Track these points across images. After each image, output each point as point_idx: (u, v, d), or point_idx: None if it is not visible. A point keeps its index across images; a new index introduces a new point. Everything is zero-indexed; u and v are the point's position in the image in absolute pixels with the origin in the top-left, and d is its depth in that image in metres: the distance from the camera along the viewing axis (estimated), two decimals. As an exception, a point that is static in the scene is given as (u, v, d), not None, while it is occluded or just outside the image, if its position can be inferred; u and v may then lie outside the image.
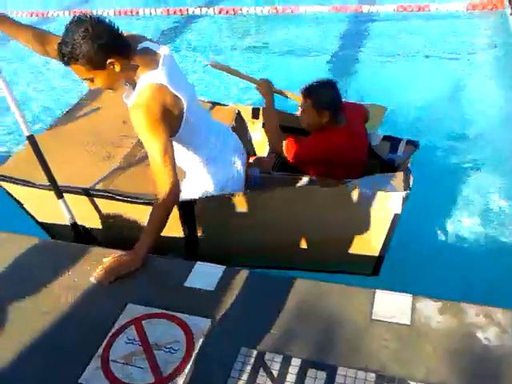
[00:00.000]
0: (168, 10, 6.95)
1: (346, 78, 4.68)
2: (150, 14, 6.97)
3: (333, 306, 1.53)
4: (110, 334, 1.54)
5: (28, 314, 1.64)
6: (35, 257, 1.92)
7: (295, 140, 2.47)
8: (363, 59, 5.14)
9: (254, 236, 2.27)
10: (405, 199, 2.03)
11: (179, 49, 5.85)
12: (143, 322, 1.59)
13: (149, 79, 1.77)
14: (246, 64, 5.24)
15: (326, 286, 1.58)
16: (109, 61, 1.69)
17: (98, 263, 1.77)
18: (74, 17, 1.68)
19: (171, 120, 1.81)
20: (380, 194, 2.06)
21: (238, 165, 2.23)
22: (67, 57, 1.66)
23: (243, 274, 1.71)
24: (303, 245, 2.31)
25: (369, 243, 2.22)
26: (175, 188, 1.78)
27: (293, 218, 2.23)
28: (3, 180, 2.44)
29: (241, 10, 6.63)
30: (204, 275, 1.75)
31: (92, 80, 1.76)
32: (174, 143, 1.90)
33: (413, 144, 2.58)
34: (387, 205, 2.07)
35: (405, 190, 2.03)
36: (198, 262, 1.81)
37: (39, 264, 1.89)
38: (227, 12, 6.70)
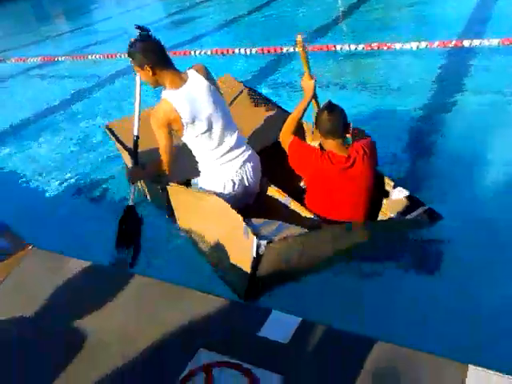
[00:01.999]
0: (263, 49, 7.11)
1: (450, 116, 4.47)
2: (245, 52, 7.18)
3: (418, 378, 1.35)
4: (180, 379, 1.50)
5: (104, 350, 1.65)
6: (118, 291, 1.96)
7: (301, 143, 2.70)
8: (466, 97, 4.84)
9: None
10: (267, 250, 2.17)
11: (272, 85, 5.95)
12: (213, 370, 1.53)
13: (166, 95, 2.57)
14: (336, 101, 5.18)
15: (411, 353, 1.41)
16: (145, 66, 2.50)
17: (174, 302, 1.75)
18: (146, 32, 2.55)
19: (173, 127, 2.61)
20: (250, 236, 2.23)
21: (235, 185, 2.77)
22: (128, 54, 2.57)
23: (320, 328, 1.59)
24: None
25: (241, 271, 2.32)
26: (167, 164, 2.70)
27: None
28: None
29: (334, 47, 6.61)
30: (279, 325, 1.67)
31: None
32: (186, 140, 2.72)
33: (432, 215, 2.49)
34: (251, 247, 2.19)
35: (266, 240, 2.19)
36: (274, 310, 1.73)
37: (122, 299, 1.91)
38: (320, 49, 6.71)
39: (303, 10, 10.01)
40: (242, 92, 4.01)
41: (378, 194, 2.77)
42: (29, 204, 4.22)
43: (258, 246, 2.17)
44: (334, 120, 2.48)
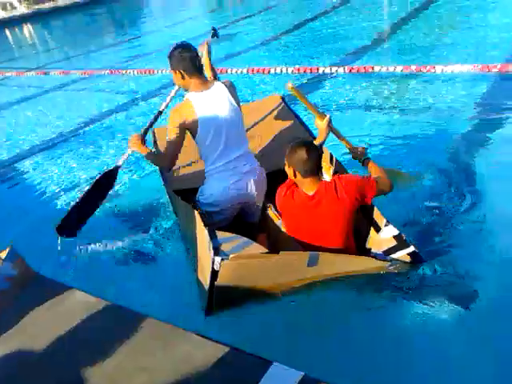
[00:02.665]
0: (299, 68, 7.02)
1: (492, 141, 4.27)
2: (281, 72, 7.10)
3: None
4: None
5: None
6: (118, 330, 1.86)
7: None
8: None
9: None
10: (222, 266, 2.26)
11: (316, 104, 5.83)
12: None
13: (188, 95, 2.83)
14: (370, 124, 5.01)
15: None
16: (177, 70, 2.81)
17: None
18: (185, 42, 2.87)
19: (186, 125, 2.81)
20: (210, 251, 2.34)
21: (231, 194, 2.88)
22: (168, 56, 2.85)
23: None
24: None
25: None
26: (168, 158, 2.92)
27: None
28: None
29: (372, 68, 6.43)
30: (279, 380, 1.52)
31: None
32: (197, 141, 2.89)
33: (415, 257, 2.49)
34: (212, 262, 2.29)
35: (222, 256, 2.26)
36: (275, 363, 1.58)
37: (121, 339, 1.81)
38: (358, 71, 6.55)
39: (346, 27, 9.90)
40: (280, 111, 4.10)
41: (368, 226, 2.82)
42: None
43: (213, 262, 2.27)
44: (309, 159, 2.52)
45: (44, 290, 2.23)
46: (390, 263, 2.54)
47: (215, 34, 3.71)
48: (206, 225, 2.56)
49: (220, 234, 2.53)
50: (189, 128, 2.83)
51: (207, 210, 2.90)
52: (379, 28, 9.27)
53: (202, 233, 2.55)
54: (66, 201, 4.51)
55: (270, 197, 3.05)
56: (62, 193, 4.74)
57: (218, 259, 2.27)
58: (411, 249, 2.51)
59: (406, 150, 4.36)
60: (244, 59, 8.77)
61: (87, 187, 3.43)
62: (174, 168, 3.20)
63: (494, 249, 2.78)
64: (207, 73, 3.19)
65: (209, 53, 3.34)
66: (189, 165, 3.58)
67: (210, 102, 2.81)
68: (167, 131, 2.87)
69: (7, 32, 22.10)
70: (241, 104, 3.02)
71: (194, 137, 2.88)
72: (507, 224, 2.99)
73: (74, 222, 3.30)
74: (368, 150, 2.99)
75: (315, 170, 2.57)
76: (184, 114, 2.78)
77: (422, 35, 8.17)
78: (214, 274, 2.31)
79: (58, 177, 5.15)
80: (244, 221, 3.11)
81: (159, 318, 1.93)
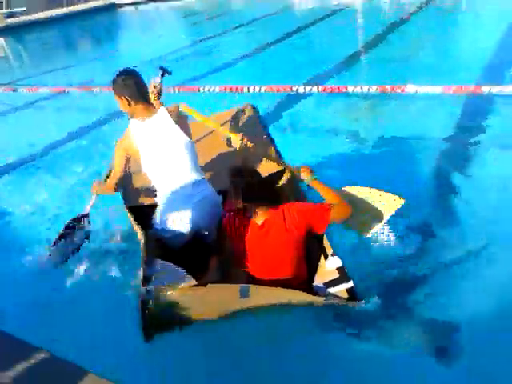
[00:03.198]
0: (272, 87, 6.90)
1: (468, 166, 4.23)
2: (255, 90, 6.97)
3: None
4: None
5: None
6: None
7: None
8: (484, 145, 4.52)
9: None
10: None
11: (283, 126, 5.71)
12: None
13: (131, 124, 2.91)
14: (343, 147, 4.90)
15: None
16: (121, 96, 2.81)
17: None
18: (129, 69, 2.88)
19: (130, 154, 2.92)
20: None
21: (185, 220, 2.89)
22: (112, 84, 2.83)
23: None
24: None
25: None
26: (112, 185, 3.06)
27: None
28: None
29: (346, 88, 6.36)
30: None
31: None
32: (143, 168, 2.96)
33: (351, 294, 2.45)
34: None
35: (148, 287, 2.37)
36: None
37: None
38: (332, 90, 6.47)
39: (320, 45, 9.89)
40: (248, 123, 4.03)
41: (319, 251, 2.77)
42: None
43: (143, 293, 2.39)
44: (255, 191, 2.52)
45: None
46: (325, 298, 2.48)
47: (165, 72, 3.51)
48: (150, 249, 2.67)
49: (158, 262, 2.58)
50: (133, 155, 2.94)
51: (160, 234, 2.95)
52: (353, 47, 9.24)
53: (142, 258, 2.61)
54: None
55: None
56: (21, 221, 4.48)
57: (143, 290, 2.39)
58: (350, 284, 2.48)
59: (378, 173, 4.25)
60: (217, 77, 8.64)
61: (58, 233, 3.37)
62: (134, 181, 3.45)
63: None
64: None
65: (159, 94, 3.31)
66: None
67: (151, 132, 2.87)
68: (113, 161, 3.00)
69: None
70: (212, 113, 3.36)
71: (140, 162, 2.96)
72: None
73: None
74: (316, 173, 2.74)
75: (258, 202, 2.53)
76: (125, 145, 2.91)
77: (395, 55, 8.16)
78: (143, 303, 2.39)
79: (17, 202, 4.87)
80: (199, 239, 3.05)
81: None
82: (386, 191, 2.71)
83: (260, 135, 3.80)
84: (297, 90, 6.71)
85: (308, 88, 6.68)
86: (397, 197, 2.69)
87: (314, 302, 2.48)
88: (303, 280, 2.67)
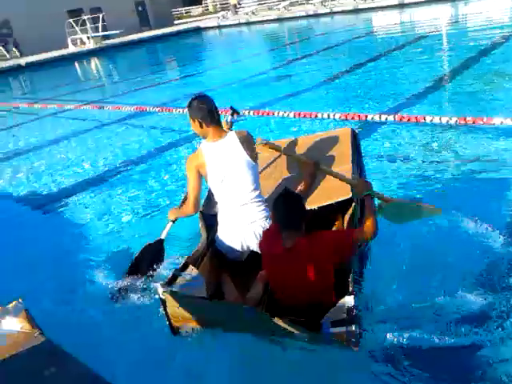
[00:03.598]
0: (347, 115, 6.80)
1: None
2: (329, 117, 6.91)
3: None
4: None
5: None
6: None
7: None
8: None
9: None
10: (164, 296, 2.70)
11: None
12: None
13: (202, 145, 3.12)
14: (425, 180, 4.68)
15: None
16: (195, 119, 3.05)
17: None
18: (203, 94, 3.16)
19: (200, 172, 3.11)
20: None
21: (233, 237, 3.13)
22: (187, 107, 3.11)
23: None
24: None
25: None
26: (192, 203, 3.19)
27: None
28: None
29: (424, 118, 6.11)
30: None
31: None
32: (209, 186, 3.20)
33: (351, 337, 2.42)
34: None
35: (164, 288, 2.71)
36: None
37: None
38: (409, 120, 6.24)
39: (401, 74, 9.64)
40: (338, 146, 3.80)
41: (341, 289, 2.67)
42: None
43: (158, 290, 2.71)
44: (282, 212, 2.60)
45: (43, 356, 2.06)
46: (325, 333, 2.47)
47: (235, 111, 3.83)
48: (207, 256, 3.16)
49: (189, 269, 2.93)
50: (203, 174, 3.12)
51: (221, 248, 3.23)
52: (433, 76, 8.89)
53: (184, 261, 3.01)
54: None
55: None
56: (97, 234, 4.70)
57: (160, 289, 2.70)
58: (352, 328, 2.43)
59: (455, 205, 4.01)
60: (293, 102, 8.67)
61: (135, 255, 3.62)
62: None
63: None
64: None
65: (229, 129, 3.50)
66: None
67: (220, 153, 3.06)
68: (187, 181, 3.19)
69: (76, 65, 23.37)
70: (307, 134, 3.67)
71: (207, 182, 3.17)
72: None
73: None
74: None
75: (289, 225, 2.57)
76: (196, 163, 3.10)
77: (476, 86, 7.73)
78: (162, 300, 2.73)
79: (100, 216, 5.12)
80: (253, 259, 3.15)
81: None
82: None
83: (343, 159, 3.57)
84: (372, 118, 6.55)
85: (384, 117, 6.49)
86: (433, 207, 2.94)
87: (312, 339, 2.54)
88: (324, 310, 2.58)
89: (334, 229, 3.44)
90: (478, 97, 7.09)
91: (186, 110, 3.11)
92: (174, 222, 3.55)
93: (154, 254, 3.63)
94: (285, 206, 2.60)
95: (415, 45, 12.65)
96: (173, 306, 2.74)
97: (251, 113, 7.79)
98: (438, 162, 5.09)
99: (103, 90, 15.12)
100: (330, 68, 11.62)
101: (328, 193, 3.24)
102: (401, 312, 2.89)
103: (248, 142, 3.10)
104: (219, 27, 30.85)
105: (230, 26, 30.61)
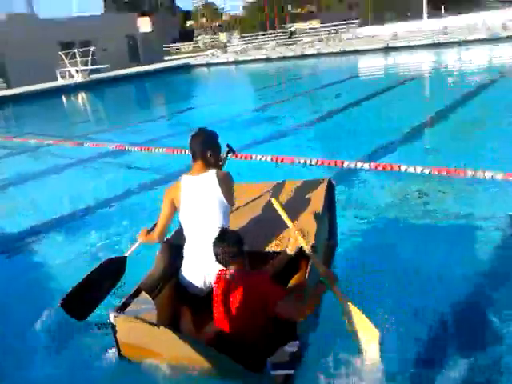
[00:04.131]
0: (323, 161, 6.78)
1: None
2: (305, 163, 6.88)
3: None
4: None
5: None
6: None
7: None
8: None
9: None
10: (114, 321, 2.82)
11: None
12: None
13: (183, 177, 3.23)
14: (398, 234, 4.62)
15: None
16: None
17: None
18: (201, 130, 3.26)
19: (175, 203, 3.20)
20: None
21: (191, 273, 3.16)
22: None
23: None
24: None
25: None
26: (159, 229, 3.29)
27: None
28: None
29: (399, 167, 6.10)
30: None
31: None
32: None
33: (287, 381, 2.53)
34: None
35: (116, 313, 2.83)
36: None
37: None
38: (384, 168, 6.23)
39: (379, 119, 9.76)
40: (313, 196, 3.84)
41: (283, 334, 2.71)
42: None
43: (110, 316, 2.80)
44: (220, 250, 2.79)
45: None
46: (261, 374, 2.58)
47: (230, 150, 3.80)
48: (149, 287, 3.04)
49: (141, 295, 3.00)
50: (176, 206, 3.21)
51: (183, 283, 3.21)
52: (410, 125, 8.99)
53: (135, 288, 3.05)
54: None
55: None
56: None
57: (111, 314, 2.81)
58: (291, 371, 2.55)
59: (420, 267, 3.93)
60: (273, 145, 8.69)
61: (91, 269, 3.27)
62: None
63: None
64: None
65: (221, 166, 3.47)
66: None
67: (195, 187, 3.13)
68: (161, 209, 3.28)
69: (63, 99, 23.40)
70: (286, 180, 3.92)
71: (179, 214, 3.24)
72: None
73: (79, 301, 3.15)
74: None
75: (224, 261, 2.79)
76: (172, 195, 3.20)
77: (455, 136, 7.82)
78: (112, 326, 2.82)
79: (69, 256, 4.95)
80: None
81: None
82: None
83: (315, 210, 3.57)
84: (348, 165, 6.54)
85: (359, 164, 6.49)
86: (374, 330, 2.67)
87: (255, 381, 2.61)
88: (258, 350, 2.70)
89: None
90: (452, 147, 7.15)
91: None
92: (140, 244, 3.44)
93: (112, 272, 3.35)
94: (217, 246, 2.81)
95: (398, 89, 12.90)
96: (123, 332, 2.81)
97: (229, 155, 7.73)
98: (409, 213, 5.06)
99: (86, 125, 15.07)
100: (313, 111, 11.77)
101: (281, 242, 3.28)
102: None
103: (225, 182, 3.13)
104: (208, 65, 31.35)
105: (219, 64, 31.13)
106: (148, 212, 5.84)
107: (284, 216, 3.17)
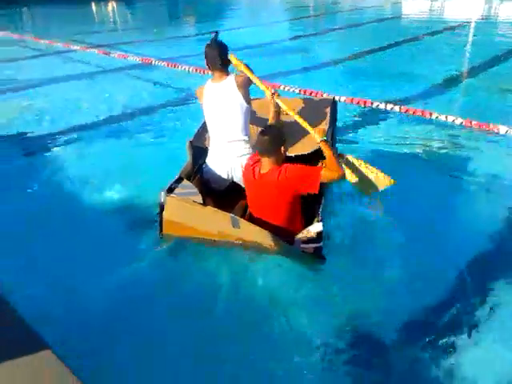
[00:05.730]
0: (352, 99, 6.57)
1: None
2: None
3: None
4: None
5: None
6: None
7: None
8: None
9: None
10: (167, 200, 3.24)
11: (359, 139, 5.46)
12: None
13: (206, 82, 3.59)
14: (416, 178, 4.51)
15: None
16: (207, 63, 3.50)
17: None
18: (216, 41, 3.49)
19: (200, 101, 3.63)
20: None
21: (216, 162, 3.63)
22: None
23: None
24: None
25: None
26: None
27: None
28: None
29: (430, 114, 5.90)
30: None
31: None
32: None
33: (317, 252, 3.06)
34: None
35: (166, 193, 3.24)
36: None
37: None
38: (414, 113, 6.03)
39: (419, 61, 9.35)
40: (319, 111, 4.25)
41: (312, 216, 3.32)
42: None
43: (161, 196, 3.20)
44: (261, 142, 3.03)
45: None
46: (294, 247, 3.09)
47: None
48: (184, 176, 3.49)
49: (184, 182, 3.39)
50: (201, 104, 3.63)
51: (207, 177, 3.69)
52: (450, 74, 8.59)
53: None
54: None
55: None
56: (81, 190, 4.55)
57: (163, 193, 3.19)
58: (318, 244, 3.06)
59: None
60: (303, 77, 8.42)
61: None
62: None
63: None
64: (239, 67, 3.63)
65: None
66: None
67: (217, 93, 3.50)
68: None
69: (93, 6, 22.79)
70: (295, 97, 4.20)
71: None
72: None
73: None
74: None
75: (265, 152, 3.04)
76: (199, 94, 3.63)
77: (493, 93, 7.46)
78: (161, 205, 3.23)
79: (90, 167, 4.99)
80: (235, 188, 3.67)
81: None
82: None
83: (321, 122, 3.98)
84: (377, 106, 6.33)
85: (390, 106, 6.28)
86: (389, 178, 3.37)
87: (286, 251, 3.08)
88: (291, 234, 3.14)
89: None
90: (488, 104, 6.84)
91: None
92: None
93: None
94: (261, 137, 3.02)
95: (445, 33, 12.27)
96: (171, 210, 3.22)
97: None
98: (432, 161, 4.92)
99: (116, 36, 14.72)
100: (345, 48, 11.26)
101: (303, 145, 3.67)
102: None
103: (243, 86, 3.49)
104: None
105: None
106: (170, 129, 5.80)
107: (303, 122, 3.41)
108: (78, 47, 11.35)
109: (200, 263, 3.25)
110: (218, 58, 3.44)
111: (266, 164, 3.07)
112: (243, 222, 3.12)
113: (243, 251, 3.18)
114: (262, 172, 3.09)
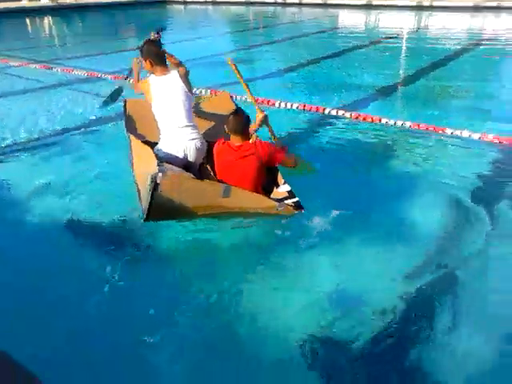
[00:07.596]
0: (304, 105, 6.72)
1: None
2: (286, 106, 6.82)
3: None
4: None
5: None
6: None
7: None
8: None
9: None
10: (162, 179, 3.27)
11: (312, 146, 5.54)
12: None
13: (150, 77, 4.12)
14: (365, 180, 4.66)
15: None
16: (147, 59, 4.05)
17: None
18: (154, 39, 4.41)
19: (146, 96, 4.16)
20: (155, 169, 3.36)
21: (177, 154, 4.02)
22: (140, 48, 4.14)
23: None
24: None
25: None
26: (138, 88, 4.28)
27: None
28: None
29: (380, 120, 6.13)
30: None
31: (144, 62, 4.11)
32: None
33: (297, 205, 3.63)
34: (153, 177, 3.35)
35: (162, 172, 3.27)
36: None
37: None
38: (364, 119, 6.24)
39: (358, 71, 9.68)
40: (226, 104, 5.31)
41: (272, 183, 4.00)
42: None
43: (156, 175, 3.21)
44: (235, 122, 3.67)
45: None
46: (279, 204, 3.58)
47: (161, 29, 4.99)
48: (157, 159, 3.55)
49: (166, 165, 3.43)
50: (148, 98, 4.12)
51: (162, 158, 3.88)
52: (393, 79, 8.99)
53: (152, 162, 3.43)
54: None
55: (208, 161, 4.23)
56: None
57: (160, 174, 3.23)
58: (296, 199, 3.67)
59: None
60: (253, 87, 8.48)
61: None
62: (138, 125, 4.77)
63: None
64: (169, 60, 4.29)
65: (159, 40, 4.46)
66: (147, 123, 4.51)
67: (163, 85, 4.04)
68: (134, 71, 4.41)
69: (27, 21, 22.02)
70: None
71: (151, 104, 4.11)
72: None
73: None
74: None
75: (238, 130, 3.68)
76: (145, 89, 4.11)
77: (436, 94, 7.89)
78: (156, 185, 3.23)
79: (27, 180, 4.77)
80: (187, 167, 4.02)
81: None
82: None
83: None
84: (329, 112, 6.51)
85: (341, 112, 6.47)
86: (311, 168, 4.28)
87: (272, 206, 3.53)
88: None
89: None
90: (433, 106, 7.21)
91: (138, 51, 4.09)
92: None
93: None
94: (233, 118, 3.67)
95: (381, 44, 12.79)
96: (164, 190, 3.27)
97: (208, 92, 7.58)
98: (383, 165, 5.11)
99: (55, 51, 14.27)
100: (290, 58, 11.50)
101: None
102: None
103: (185, 78, 4.10)
104: (185, 3, 30.06)
105: (196, 2, 29.90)
106: (115, 140, 5.67)
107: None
108: (16, 63, 10.91)
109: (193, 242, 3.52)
110: (163, 53, 4.11)
111: (239, 140, 3.70)
112: (234, 190, 3.48)
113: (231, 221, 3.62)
114: (236, 144, 3.70)
